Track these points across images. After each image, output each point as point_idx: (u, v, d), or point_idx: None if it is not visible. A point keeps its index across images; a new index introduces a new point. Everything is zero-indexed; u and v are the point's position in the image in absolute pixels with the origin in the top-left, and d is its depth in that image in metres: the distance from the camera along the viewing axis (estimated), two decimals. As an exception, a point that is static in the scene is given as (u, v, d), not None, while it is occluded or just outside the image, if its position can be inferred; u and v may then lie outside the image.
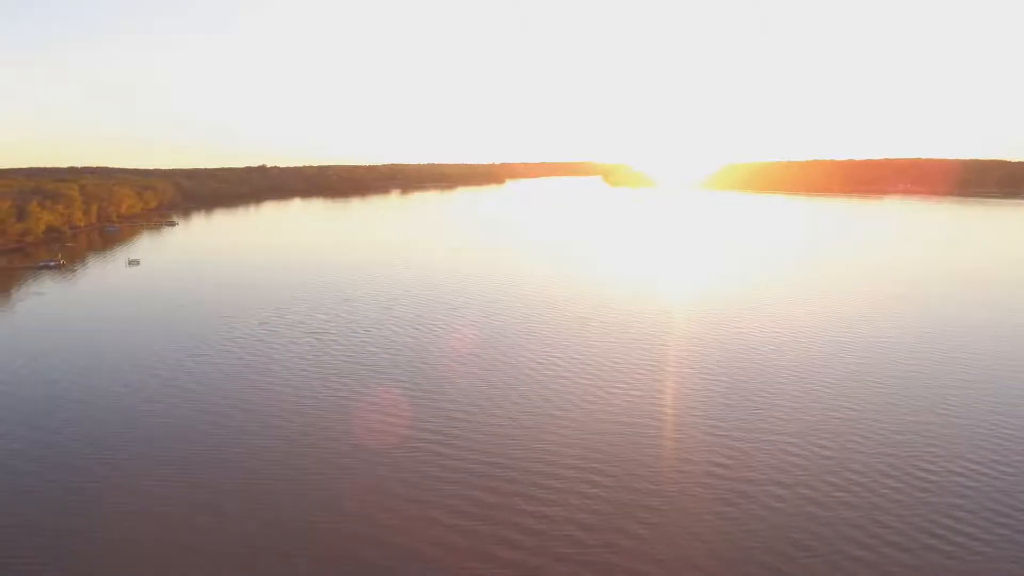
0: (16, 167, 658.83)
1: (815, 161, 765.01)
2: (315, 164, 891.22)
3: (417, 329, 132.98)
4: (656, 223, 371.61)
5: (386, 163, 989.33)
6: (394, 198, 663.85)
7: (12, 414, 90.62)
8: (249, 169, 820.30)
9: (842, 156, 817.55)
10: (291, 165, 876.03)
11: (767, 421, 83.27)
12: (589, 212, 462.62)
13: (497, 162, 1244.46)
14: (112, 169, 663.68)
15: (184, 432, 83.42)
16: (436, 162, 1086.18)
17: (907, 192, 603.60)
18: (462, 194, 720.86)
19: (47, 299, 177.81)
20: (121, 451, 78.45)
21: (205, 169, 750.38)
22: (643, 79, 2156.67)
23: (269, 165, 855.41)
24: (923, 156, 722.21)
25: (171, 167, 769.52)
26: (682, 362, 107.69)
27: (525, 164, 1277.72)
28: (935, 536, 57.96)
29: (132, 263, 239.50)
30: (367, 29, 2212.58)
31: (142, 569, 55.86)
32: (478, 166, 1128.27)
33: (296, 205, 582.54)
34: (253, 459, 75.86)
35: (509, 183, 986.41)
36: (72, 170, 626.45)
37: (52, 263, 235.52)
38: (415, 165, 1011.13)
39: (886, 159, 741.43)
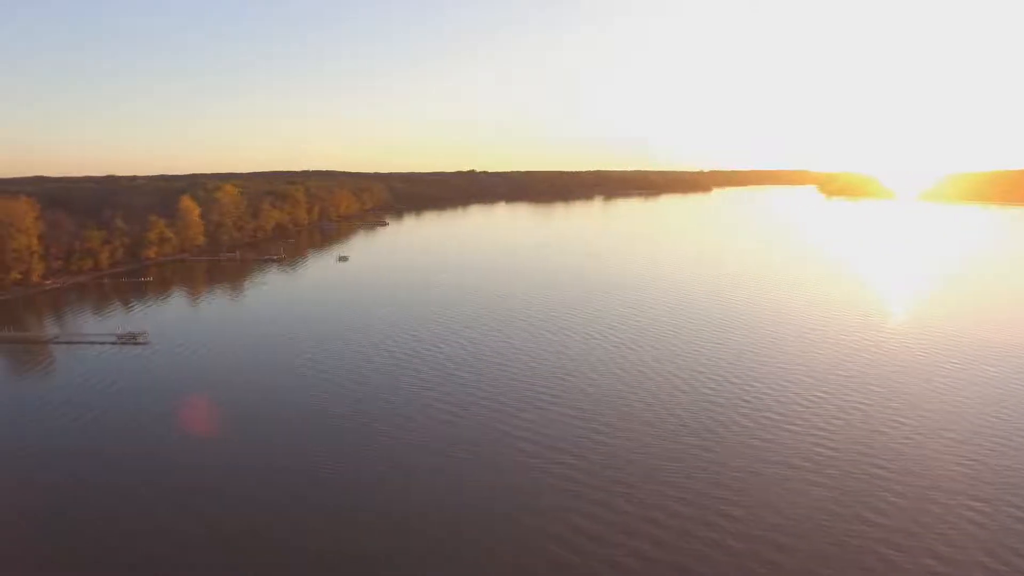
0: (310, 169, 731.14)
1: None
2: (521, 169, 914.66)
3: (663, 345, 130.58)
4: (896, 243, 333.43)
5: (591, 169, 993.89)
6: (597, 204, 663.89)
7: (231, 383, 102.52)
8: (459, 173, 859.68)
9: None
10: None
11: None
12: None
13: (705, 169, 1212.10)
14: (337, 172, 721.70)
15: (377, 401, 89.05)
16: (641, 169, 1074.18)
17: None
18: (670, 202, 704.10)
19: (268, 288, 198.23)
20: (322, 410, 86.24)
21: (418, 173, 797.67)
22: (860, 81, 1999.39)
23: (479, 170, 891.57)
24: None
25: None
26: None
27: (733, 171, 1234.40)
28: None
29: (342, 259, 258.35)
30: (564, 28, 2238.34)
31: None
32: (684, 173, 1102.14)
33: (501, 209, 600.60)
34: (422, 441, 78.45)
35: (716, 191, 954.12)
36: (304, 173, 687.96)
37: (275, 257, 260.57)
38: (619, 172, 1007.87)
39: None
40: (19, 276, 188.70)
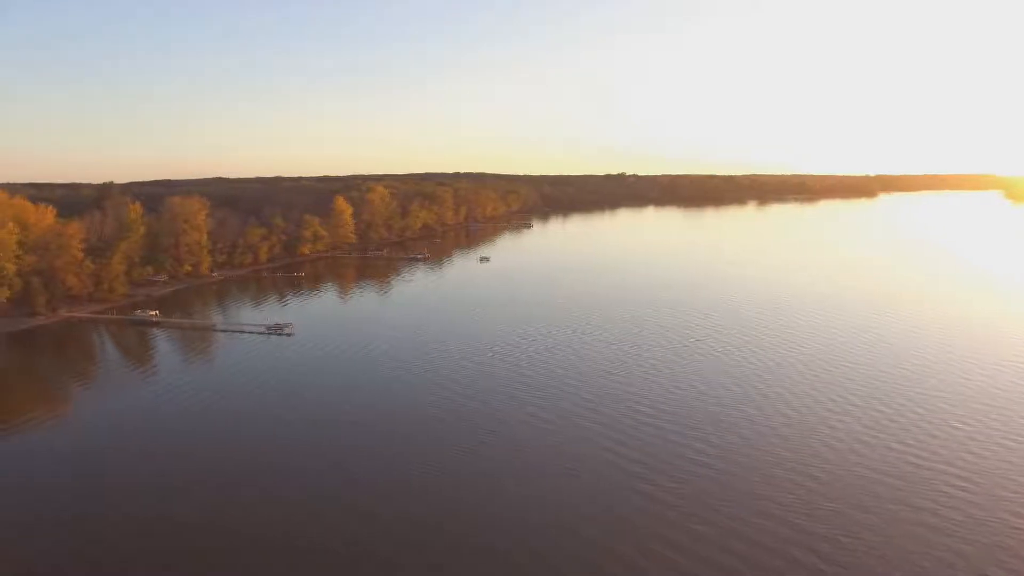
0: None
1: None
2: (674, 172, 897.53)
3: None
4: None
5: (745, 173, 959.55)
6: (750, 210, 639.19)
7: (377, 371, 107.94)
8: (608, 177, 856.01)
9: None
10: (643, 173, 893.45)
11: None
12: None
13: (871, 173, 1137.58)
14: (486, 175, 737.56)
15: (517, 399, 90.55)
16: (798, 172, 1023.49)
17: None
18: (832, 208, 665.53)
19: (413, 285, 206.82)
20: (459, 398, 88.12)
21: (566, 176, 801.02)
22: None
23: (629, 173, 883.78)
24: None
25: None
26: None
27: (904, 176, 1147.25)
28: None
29: (483, 260, 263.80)
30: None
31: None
32: (845, 177, 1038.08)
33: (650, 213, 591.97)
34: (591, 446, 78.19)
35: (883, 197, 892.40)
36: (455, 175, 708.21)
37: (420, 256, 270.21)
38: (774, 176, 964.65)
39: None
40: (190, 268, 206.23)
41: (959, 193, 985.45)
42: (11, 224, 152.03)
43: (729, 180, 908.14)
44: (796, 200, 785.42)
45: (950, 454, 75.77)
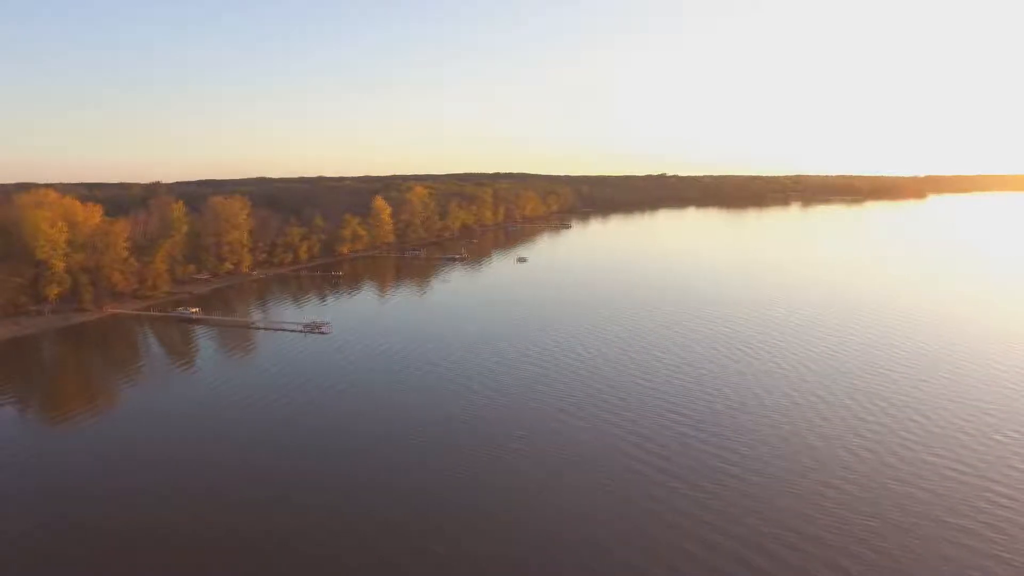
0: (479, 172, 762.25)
1: None
2: (714, 171, 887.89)
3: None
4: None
5: (788, 174, 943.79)
6: (795, 211, 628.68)
7: (410, 364, 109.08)
8: (648, 177, 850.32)
9: None
10: (691, 173, 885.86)
11: None
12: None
13: (920, 174, 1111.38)
14: (527, 175, 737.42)
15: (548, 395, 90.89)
16: (843, 173, 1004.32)
17: None
18: (883, 210, 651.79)
19: (450, 285, 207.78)
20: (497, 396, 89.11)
21: (605, 176, 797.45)
22: None
23: (670, 174, 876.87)
24: None
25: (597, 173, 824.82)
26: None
27: (955, 176, 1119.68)
28: None
29: (520, 260, 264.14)
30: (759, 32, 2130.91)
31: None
32: (893, 178, 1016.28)
33: (690, 214, 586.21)
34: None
35: (932, 199, 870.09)
36: (495, 175, 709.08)
37: (457, 256, 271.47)
38: (819, 176, 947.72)
39: None
40: (231, 267, 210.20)
41: (1016, 194, 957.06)
42: (60, 223, 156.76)
43: (772, 181, 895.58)
44: (842, 202, 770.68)
45: (989, 468, 73.55)
